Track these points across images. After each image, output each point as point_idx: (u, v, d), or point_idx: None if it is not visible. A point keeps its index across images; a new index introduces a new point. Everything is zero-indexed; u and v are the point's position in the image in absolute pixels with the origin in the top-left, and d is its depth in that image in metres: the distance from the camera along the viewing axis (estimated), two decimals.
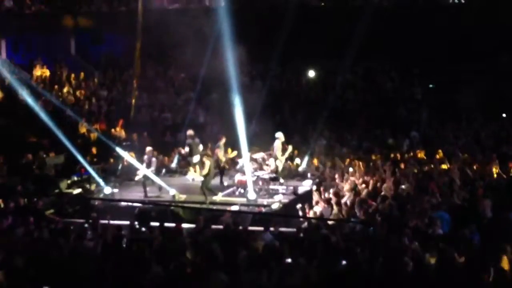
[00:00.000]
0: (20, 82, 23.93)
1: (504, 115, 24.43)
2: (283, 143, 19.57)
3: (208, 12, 25.65)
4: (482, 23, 24.65)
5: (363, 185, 17.24)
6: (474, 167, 19.14)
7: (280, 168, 19.06)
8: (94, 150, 21.83)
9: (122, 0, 29.52)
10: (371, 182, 17.54)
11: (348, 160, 20.67)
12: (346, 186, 17.54)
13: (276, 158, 19.02)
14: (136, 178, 18.40)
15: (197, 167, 19.96)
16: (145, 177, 18.15)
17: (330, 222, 14.27)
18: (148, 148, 18.70)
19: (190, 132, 20.09)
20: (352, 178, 18.18)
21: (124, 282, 11.26)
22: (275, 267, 11.29)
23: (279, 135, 19.36)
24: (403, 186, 16.48)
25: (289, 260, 11.41)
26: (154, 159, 18.50)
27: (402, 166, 19.60)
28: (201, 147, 20.04)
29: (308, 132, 24.06)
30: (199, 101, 26.19)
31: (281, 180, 19.01)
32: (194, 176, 19.85)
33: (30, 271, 11.89)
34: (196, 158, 19.78)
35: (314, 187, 17.81)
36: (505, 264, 10.96)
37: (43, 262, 12.24)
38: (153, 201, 17.75)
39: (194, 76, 26.77)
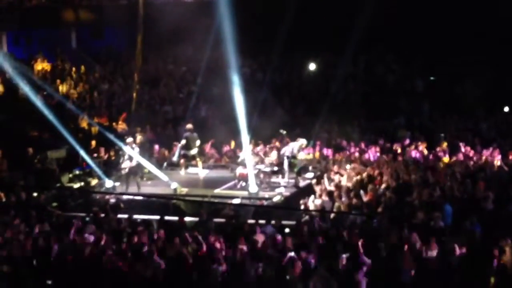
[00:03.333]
0: (21, 76, 23.91)
1: (506, 109, 24.41)
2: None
3: (209, 5, 25.59)
4: (484, 14, 24.57)
5: (365, 178, 17.28)
6: (475, 159, 19.16)
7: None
8: (94, 143, 21.81)
9: None
10: (372, 174, 17.58)
11: (343, 156, 20.67)
12: (347, 179, 17.56)
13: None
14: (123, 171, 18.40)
15: (198, 161, 20.05)
16: (131, 170, 18.25)
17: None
18: (128, 139, 18.70)
19: (189, 125, 20.22)
20: (352, 171, 18.20)
21: (126, 275, 11.31)
22: (276, 260, 11.35)
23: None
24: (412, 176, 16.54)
25: (292, 253, 11.44)
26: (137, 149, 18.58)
27: (402, 158, 19.64)
28: (198, 142, 20.05)
29: (309, 125, 24.02)
30: (200, 94, 26.16)
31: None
32: (198, 170, 19.95)
33: (33, 265, 11.96)
34: (194, 151, 19.85)
35: (315, 180, 17.83)
36: (507, 256, 10.99)
37: (45, 256, 12.29)
38: (154, 195, 17.75)
39: (195, 69, 26.75)
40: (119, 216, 15.02)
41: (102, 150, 20.94)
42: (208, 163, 21.31)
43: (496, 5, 24.54)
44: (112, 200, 16.60)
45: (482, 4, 24.75)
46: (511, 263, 10.86)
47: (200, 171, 19.99)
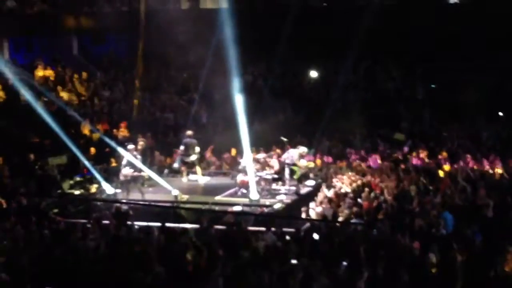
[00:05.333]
0: (22, 82, 23.94)
1: (500, 113, 24.46)
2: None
3: (210, 12, 25.64)
4: (484, 21, 24.60)
5: (365, 186, 17.30)
6: (476, 167, 19.16)
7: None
8: (93, 150, 21.80)
9: (124, 0, 29.50)
10: (372, 182, 17.59)
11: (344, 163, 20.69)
12: (347, 186, 17.58)
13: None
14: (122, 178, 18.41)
15: (198, 168, 20.06)
16: (133, 177, 18.26)
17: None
18: (130, 146, 18.75)
19: (189, 132, 20.30)
20: (353, 178, 18.22)
21: (126, 282, 11.30)
22: (277, 267, 11.34)
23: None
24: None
25: (294, 261, 11.44)
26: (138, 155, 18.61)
27: (404, 166, 19.64)
28: (197, 148, 20.05)
29: (310, 132, 24.03)
30: (202, 101, 26.19)
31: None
32: (198, 177, 19.95)
33: (33, 271, 11.94)
34: (193, 157, 19.87)
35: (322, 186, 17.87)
36: (509, 264, 11.00)
37: (46, 262, 12.28)
38: (155, 202, 17.73)
39: (197, 76, 26.78)
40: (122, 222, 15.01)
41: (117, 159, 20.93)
42: (209, 170, 21.33)
43: (496, 10, 24.57)
44: (125, 207, 16.56)
45: (483, 10, 24.80)
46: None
47: (199, 178, 20.00)
